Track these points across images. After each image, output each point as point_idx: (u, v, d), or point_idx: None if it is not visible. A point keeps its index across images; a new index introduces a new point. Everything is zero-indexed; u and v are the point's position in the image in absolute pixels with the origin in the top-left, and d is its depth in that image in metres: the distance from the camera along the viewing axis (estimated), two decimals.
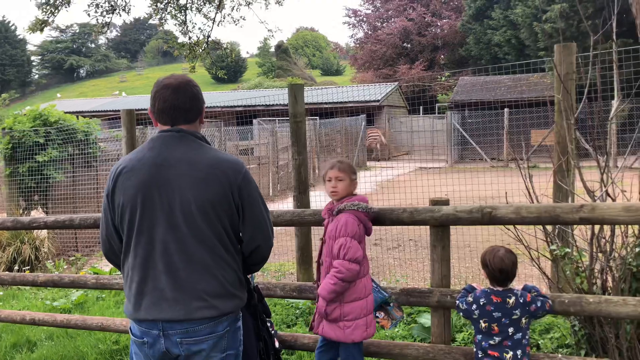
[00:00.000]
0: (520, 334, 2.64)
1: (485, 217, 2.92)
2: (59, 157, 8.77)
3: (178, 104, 2.16)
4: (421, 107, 27.31)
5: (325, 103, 22.34)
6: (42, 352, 4.52)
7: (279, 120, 19.14)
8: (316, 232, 4.98)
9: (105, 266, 7.50)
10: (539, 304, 2.65)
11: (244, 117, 21.34)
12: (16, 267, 7.26)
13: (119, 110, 6.66)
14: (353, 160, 21.53)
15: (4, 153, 8.69)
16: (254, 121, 20.25)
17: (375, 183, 14.90)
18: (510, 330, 2.62)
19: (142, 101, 30.70)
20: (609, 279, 3.05)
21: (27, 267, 7.22)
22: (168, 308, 2.10)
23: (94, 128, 9.28)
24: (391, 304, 3.10)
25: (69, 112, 9.88)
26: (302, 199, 4.94)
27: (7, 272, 6.46)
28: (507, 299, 2.62)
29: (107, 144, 9.86)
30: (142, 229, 2.13)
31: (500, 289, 2.66)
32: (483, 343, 2.67)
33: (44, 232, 7.94)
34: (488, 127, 19.92)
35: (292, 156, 4.92)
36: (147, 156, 2.15)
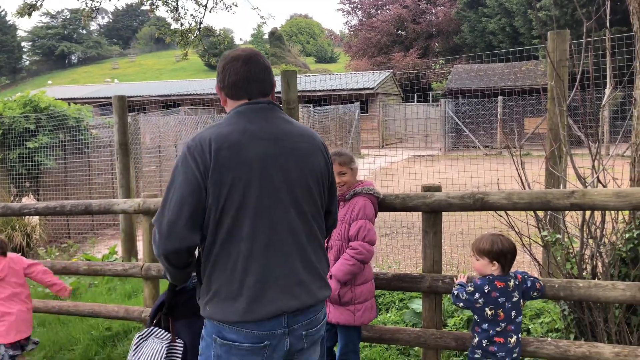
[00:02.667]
0: (520, 316, 2.68)
1: (477, 203, 2.93)
2: (50, 143, 8.69)
3: (252, 76, 1.99)
4: (415, 95, 27.27)
5: (319, 91, 22.27)
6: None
7: None
8: None
9: (97, 253, 7.48)
10: (529, 284, 2.70)
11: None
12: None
13: (111, 97, 6.61)
14: (347, 148, 21.54)
15: None
16: None
17: (369, 170, 14.93)
18: (513, 313, 2.64)
19: (135, 88, 30.46)
20: (599, 264, 3.08)
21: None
22: (302, 293, 1.92)
23: (85, 114, 9.21)
24: None
25: (61, 99, 9.77)
26: None
27: None
28: (509, 283, 2.64)
29: (100, 131, 9.79)
30: (260, 209, 1.88)
31: (500, 272, 2.64)
32: (490, 331, 2.62)
33: (36, 219, 7.90)
34: (482, 115, 19.94)
35: None
36: (250, 129, 1.91)
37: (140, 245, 6.03)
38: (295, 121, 2.07)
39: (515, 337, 2.63)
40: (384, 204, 3.18)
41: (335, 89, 24.12)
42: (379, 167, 15.16)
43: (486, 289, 2.60)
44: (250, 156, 1.88)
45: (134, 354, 2.30)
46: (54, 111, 8.88)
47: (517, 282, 2.66)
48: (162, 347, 2.25)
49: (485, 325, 2.63)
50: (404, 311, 4.13)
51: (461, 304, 2.69)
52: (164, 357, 2.23)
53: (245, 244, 1.87)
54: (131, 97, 19.40)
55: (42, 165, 8.63)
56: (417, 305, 3.98)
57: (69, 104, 9.44)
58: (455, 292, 2.72)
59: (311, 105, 19.98)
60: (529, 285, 2.70)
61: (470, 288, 2.64)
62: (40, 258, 7.20)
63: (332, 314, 2.91)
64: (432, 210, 3.09)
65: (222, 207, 1.86)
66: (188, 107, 15.76)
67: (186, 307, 2.28)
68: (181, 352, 2.27)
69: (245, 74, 1.98)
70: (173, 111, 14.88)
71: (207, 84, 26.59)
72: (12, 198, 8.62)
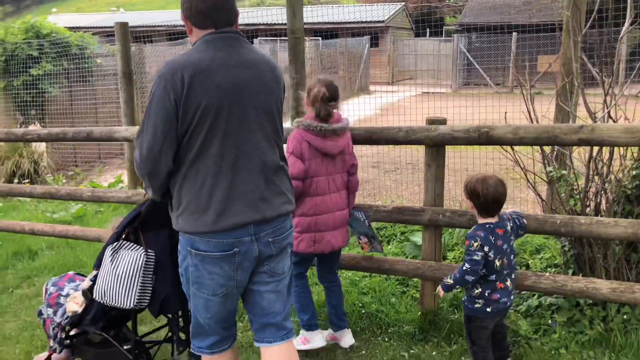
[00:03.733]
0: (515, 257, 2.65)
1: (482, 137, 2.88)
2: (54, 71, 8.58)
3: (220, 4, 2.04)
4: (428, 30, 26.48)
5: (328, 23, 21.64)
6: (44, 261, 4.64)
7: (280, 40, 18.62)
8: None
9: (104, 181, 7.55)
10: (518, 222, 2.67)
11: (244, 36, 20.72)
12: (15, 180, 7.31)
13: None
14: (356, 84, 21.18)
15: None
16: (255, 41, 19.70)
17: (376, 107, 14.74)
18: (512, 257, 2.61)
19: (142, 18, 29.71)
20: (603, 201, 3.05)
21: (27, 180, 7.26)
22: (264, 207, 2.08)
23: (88, 42, 9.03)
24: (376, 237, 3.18)
25: (66, 27, 9.57)
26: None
27: (4, 184, 6.50)
28: (507, 228, 2.58)
29: (106, 60, 9.64)
30: (229, 130, 2.01)
31: (496, 219, 2.56)
32: (498, 281, 2.54)
33: (43, 146, 7.93)
34: (495, 52, 19.41)
35: (290, 74, 4.75)
36: (219, 56, 2.01)
37: None
38: (258, 50, 2.18)
39: (509, 279, 2.59)
40: (387, 137, 3.12)
41: (344, 21, 23.42)
42: (387, 103, 14.96)
43: (492, 239, 2.50)
44: (220, 82, 1.98)
45: (112, 265, 2.46)
46: (56, 38, 8.70)
47: (511, 225, 2.62)
48: (140, 255, 2.45)
49: (493, 277, 2.53)
50: (405, 244, 4.17)
51: (481, 268, 2.49)
52: (144, 265, 2.43)
53: (214, 162, 2.01)
54: (136, 26, 18.96)
55: (46, 93, 8.56)
56: (418, 238, 4.01)
57: (75, 32, 9.25)
58: (470, 258, 2.48)
59: (320, 38, 19.48)
60: (518, 224, 2.66)
61: (475, 243, 2.48)
62: (47, 185, 7.28)
63: None
64: (436, 144, 3.05)
65: (193, 129, 1.98)
66: None
67: (153, 219, 2.46)
68: (153, 261, 2.48)
69: (213, 2, 2.03)
70: (179, 42, 14.55)
71: None
72: (18, 126, 8.63)
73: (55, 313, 2.75)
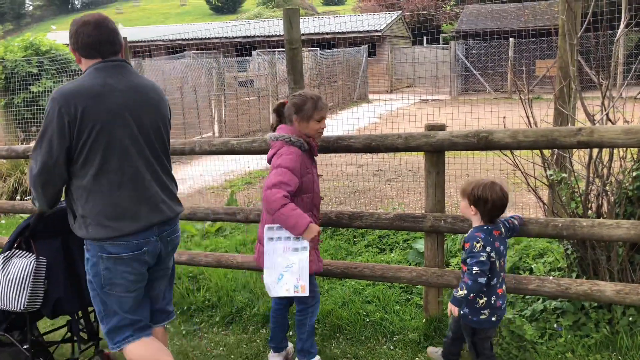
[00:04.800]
0: (505, 257, 2.64)
1: (482, 142, 2.88)
2: (54, 87, 8.63)
3: (103, 39, 2.33)
4: (425, 38, 26.60)
5: (326, 33, 21.79)
6: None
7: (278, 51, 18.71)
8: None
9: None
10: (507, 224, 2.69)
11: (243, 48, 20.85)
12: (18, 197, 7.32)
13: None
14: (355, 93, 21.24)
15: None
16: (253, 52, 19.79)
17: (376, 115, 14.78)
18: (506, 258, 2.63)
19: (140, 32, 29.91)
20: (604, 203, 3.05)
21: (29, 197, 7.27)
22: (165, 209, 2.45)
23: None
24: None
25: (66, 44, 9.64)
26: None
27: (6, 201, 6.50)
28: (502, 229, 2.60)
29: None
30: (123, 147, 2.31)
31: (493, 223, 2.58)
32: (497, 285, 2.54)
33: None
34: (492, 57, 19.48)
35: (289, 85, 4.76)
36: (109, 83, 2.30)
37: None
38: (143, 77, 2.51)
39: (501, 278, 2.59)
40: (386, 145, 3.11)
41: (342, 32, 23.55)
42: (386, 112, 15.00)
43: (491, 240, 2.50)
44: (111, 105, 2.27)
45: (2, 272, 2.72)
46: (55, 54, 8.76)
47: (507, 226, 2.66)
48: (30, 262, 2.72)
49: (494, 281, 2.52)
50: (408, 251, 4.16)
51: (484, 280, 2.45)
52: (34, 270, 2.69)
53: (115, 175, 2.30)
54: (136, 41, 19.08)
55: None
56: (421, 245, 4.00)
57: None
58: (469, 282, 2.45)
59: (318, 49, 19.56)
60: (508, 226, 2.68)
61: (478, 243, 2.47)
62: None
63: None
64: (436, 150, 3.05)
65: (90, 147, 2.25)
66: (193, 51, 15.49)
67: (46, 229, 2.76)
68: (45, 267, 2.74)
69: (98, 37, 2.32)
70: (178, 56, 14.64)
71: (213, 28, 26.05)
72: (19, 142, 8.65)
73: None
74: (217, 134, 12.30)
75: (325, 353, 3.21)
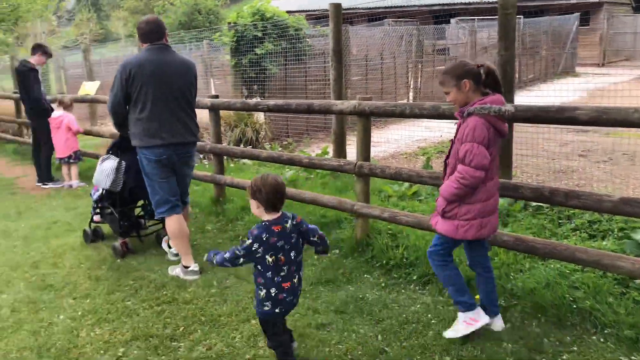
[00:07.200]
0: (300, 255, 2.74)
1: None
2: (274, 50, 9.53)
3: (152, 28, 4.06)
4: None
5: (535, 0, 20.26)
6: None
7: (478, 19, 17.99)
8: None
9: (311, 152, 8.25)
10: (304, 227, 2.72)
11: (441, 16, 20.45)
12: (241, 145, 8.39)
13: (318, 10, 6.87)
14: (559, 66, 19.60)
15: (230, 45, 9.73)
16: (452, 20, 19.31)
17: (582, 91, 13.47)
18: (293, 254, 2.67)
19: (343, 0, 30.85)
20: None
21: (250, 147, 8.29)
22: (179, 136, 4.10)
23: (304, 24, 9.82)
24: None
25: (288, 12, 10.53)
26: (506, 99, 4.67)
27: (236, 147, 7.48)
28: (285, 225, 2.64)
29: (313, 41, 10.37)
30: (156, 97, 3.98)
31: (276, 215, 2.65)
32: (276, 278, 2.65)
33: (262, 118, 8.94)
34: None
35: (498, 52, 4.52)
36: (149, 58, 3.98)
37: (349, 148, 6.44)
38: (178, 54, 4.19)
39: (297, 275, 2.72)
40: (618, 119, 2.87)
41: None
42: (595, 88, 13.61)
43: (264, 236, 2.59)
44: (150, 71, 3.96)
45: (100, 166, 4.68)
46: (277, 20, 9.63)
47: (294, 223, 2.67)
48: (115, 162, 4.64)
49: (268, 274, 2.65)
50: (624, 241, 3.88)
51: (241, 261, 2.63)
52: (115, 167, 4.60)
53: (150, 113, 4.00)
54: (344, 8, 19.77)
55: (267, 70, 9.56)
56: None
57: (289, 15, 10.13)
58: (227, 255, 2.65)
59: (521, 16, 18.35)
60: (304, 228, 2.71)
61: (248, 241, 2.60)
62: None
63: (439, 224, 2.99)
64: None
65: (137, 95, 3.99)
66: (392, 19, 15.67)
67: (126, 145, 4.40)
68: (124, 167, 4.62)
69: (148, 28, 4.06)
70: (378, 24, 14.95)
71: None
72: (243, 99, 9.82)
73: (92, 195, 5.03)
74: (411, 102, 12.45)
75: (526, 330, 3.21)
